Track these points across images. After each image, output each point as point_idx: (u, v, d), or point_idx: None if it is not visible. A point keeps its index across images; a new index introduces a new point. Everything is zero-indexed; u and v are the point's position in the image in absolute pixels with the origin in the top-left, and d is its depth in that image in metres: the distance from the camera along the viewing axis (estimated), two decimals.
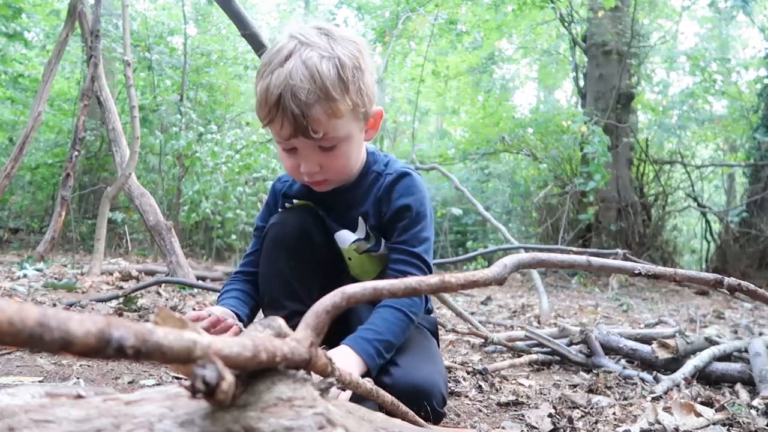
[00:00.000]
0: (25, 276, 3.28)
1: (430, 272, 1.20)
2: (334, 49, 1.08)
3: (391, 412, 0.80)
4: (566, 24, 7.95)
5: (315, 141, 1.10)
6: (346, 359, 1.02)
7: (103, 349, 0.32)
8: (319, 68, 1.05)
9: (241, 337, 0.43)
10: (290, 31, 1.12)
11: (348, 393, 0.88)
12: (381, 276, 1.30)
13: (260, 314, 1.35)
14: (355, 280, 1.14)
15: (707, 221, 7.89)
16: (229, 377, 0.38)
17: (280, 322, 0.50)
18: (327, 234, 1.31)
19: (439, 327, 1.58)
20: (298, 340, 0.48)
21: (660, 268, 0.62)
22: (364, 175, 1.27)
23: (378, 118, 1.23)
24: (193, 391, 0.37)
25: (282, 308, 1.21)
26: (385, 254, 1.28)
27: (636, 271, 0.60)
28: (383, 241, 1.27)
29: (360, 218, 1.26)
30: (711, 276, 0.70)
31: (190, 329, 0.39)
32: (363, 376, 0.89)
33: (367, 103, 1.15)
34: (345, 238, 1.29)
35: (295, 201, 1.34)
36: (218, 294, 1.34)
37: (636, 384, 1.56)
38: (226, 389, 0.38)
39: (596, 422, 1.21)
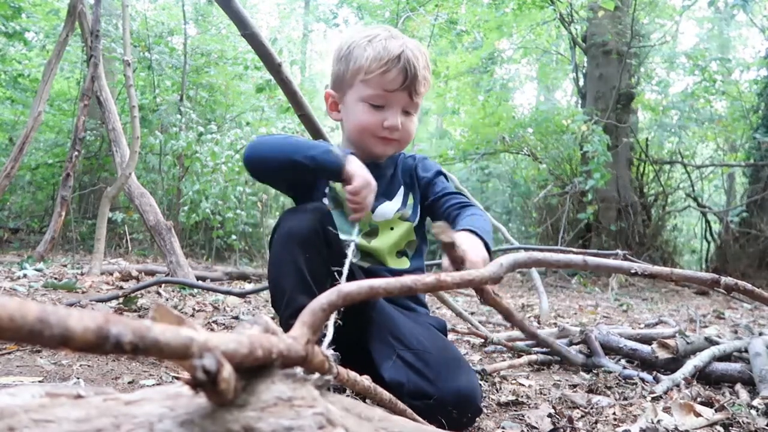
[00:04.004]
0: (25, 276, 3.28)
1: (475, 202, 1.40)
2: None
3: (389, 410, 0.80)
4: (566, 24, 7.95)
5: (410, 100, 1.32)
6: (474, 241, 1.12)
7: (101, 344, 0.32)
8: (423, 49, 1.35)
9: (237, 334, 0.43)
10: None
11: None
12: (406, 248, 1.43)
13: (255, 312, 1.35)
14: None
15: (707, 221, 7.89)
16: (228, 365, 0.39)
17: (266, 318, 0.50)
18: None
19: None
20: (295, 337, 0.48)
21: (656, 268, 0.62)
22: (391, 157, 1.47)
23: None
24: (195, 384, 0.37)
25: (294, 302, 1.17)
26: (412, 228, 1.41)
27: (632, 271, 0.60)
28: (418, 210, 1.42)
29: (402, 187, 1.42)
30: (708, 276, 0.70)
31: (187, 326, 0.39)
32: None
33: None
34: (389, 208, 1.39)
35: (331, 183, 1.39)
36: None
37: (636, 384, 1.56)
38: (227, 377, 0.38)
39: (596, 422, 1.21)
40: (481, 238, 1.13)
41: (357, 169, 1.20)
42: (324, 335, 0.71)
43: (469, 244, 1.09)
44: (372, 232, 1.39)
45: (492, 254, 1.15)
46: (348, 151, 1.25)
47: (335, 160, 1.20)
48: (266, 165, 1.30)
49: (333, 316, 0.73)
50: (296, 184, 1.43)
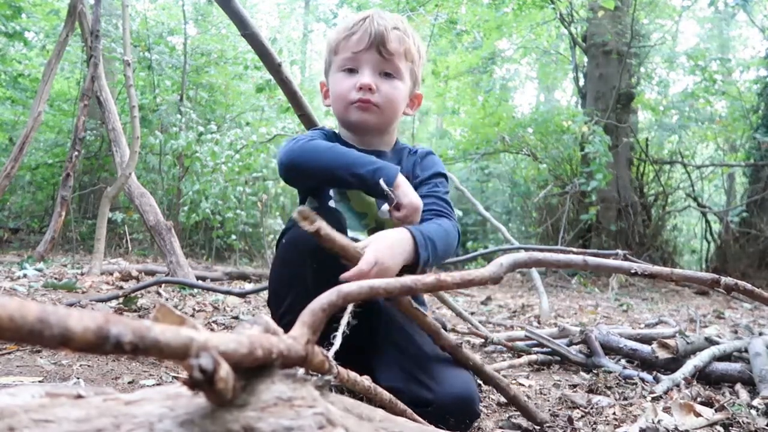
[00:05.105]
0: (25, 276, 3.28)
1: (454, 217, 1.31)
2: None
3: (389, 411, 0.80)
4: (566, 24, 7.95)
5: (382, 59, 1.27)
6: (392, 236, 1.06)
7: (101, 344, 0.32)
8: (399, 18, 1.33)
9: (237, 334, 0.43)
10: None
11: None
12: None
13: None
14: None
15: (707, 221, 7.89)
16: (225, 365, 0.39)
17: (266, 319, 0.50)
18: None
19: None
20: (295, 337, 0.48)
21: (657, 268, 0.62)
22: (399, 150, 1.41)
23: (418, 100, 1.42)
24: (192, 384, 0.37)
25: (293, 311, 1.16)
26: None
27: (633, 271, 0.60)
28: None
29: None
30: (708, 276, 0.70)
31: (187, 326, 0.39)
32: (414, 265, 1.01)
33: (417, 71, 1.36)
34: None
35: None
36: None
37: (636, 384, 1.56)
38: (225, 376, 0.38)
39: (596, 422, 1.21)
40: (413, 236, 1.07)
41: (405, 194, 1.14)
42: (332, 343, 0.70)
43: (377, 238, 1.04)
44: (377, 228, 1.35)
45: (431, 263, 1.10)
46: (398, 169, 1.17)
47: (384, 181, 1.14)
48: (306, 175, 1.26)
49: (346, 317, 0.73)
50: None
